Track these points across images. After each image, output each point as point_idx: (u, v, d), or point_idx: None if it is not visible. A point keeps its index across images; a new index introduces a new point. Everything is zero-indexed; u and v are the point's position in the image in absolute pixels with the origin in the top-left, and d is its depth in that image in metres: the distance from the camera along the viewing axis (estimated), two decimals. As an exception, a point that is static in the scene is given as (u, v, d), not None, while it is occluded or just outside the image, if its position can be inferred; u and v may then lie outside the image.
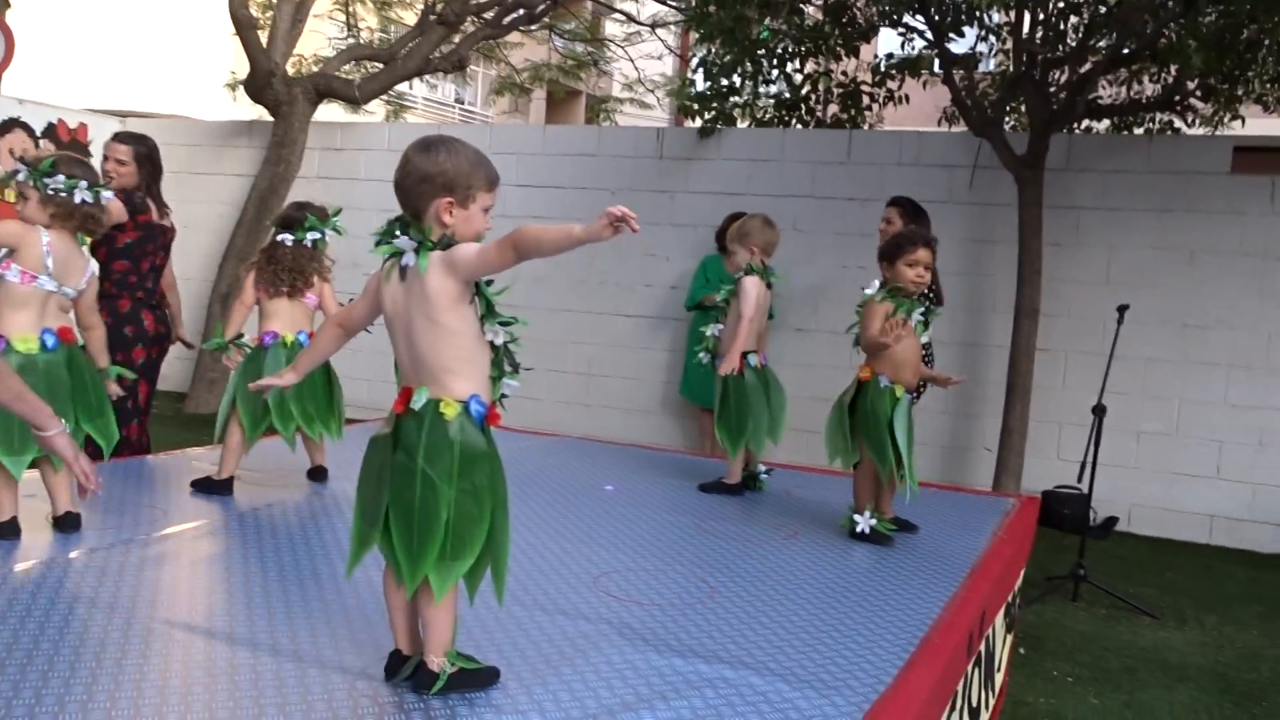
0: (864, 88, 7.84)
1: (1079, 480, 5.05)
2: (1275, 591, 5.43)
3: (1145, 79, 6.97)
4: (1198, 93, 6.56)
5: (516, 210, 7.86)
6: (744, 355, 3.92)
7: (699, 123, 7.69)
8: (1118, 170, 6.54)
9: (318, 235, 3.66)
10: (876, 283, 3.50)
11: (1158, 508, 6.49)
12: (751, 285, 3.91)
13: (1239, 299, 6.31)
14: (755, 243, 3.97)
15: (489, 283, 2.11)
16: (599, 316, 7.77)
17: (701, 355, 4.06)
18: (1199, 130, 6.89)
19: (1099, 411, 5.08)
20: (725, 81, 7.37)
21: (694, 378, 6.68)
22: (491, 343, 2.10)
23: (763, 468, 4.14)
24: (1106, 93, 7.24)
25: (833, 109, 8.11)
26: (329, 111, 9.58)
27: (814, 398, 6.86)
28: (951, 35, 6.30)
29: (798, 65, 7.48)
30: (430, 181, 2.05)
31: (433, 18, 8.69)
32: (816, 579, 2.97)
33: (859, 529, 3.42)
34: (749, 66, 7.13)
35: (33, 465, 2.85)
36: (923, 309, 3.47)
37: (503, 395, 2.15)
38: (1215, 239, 6.35)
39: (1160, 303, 6.44)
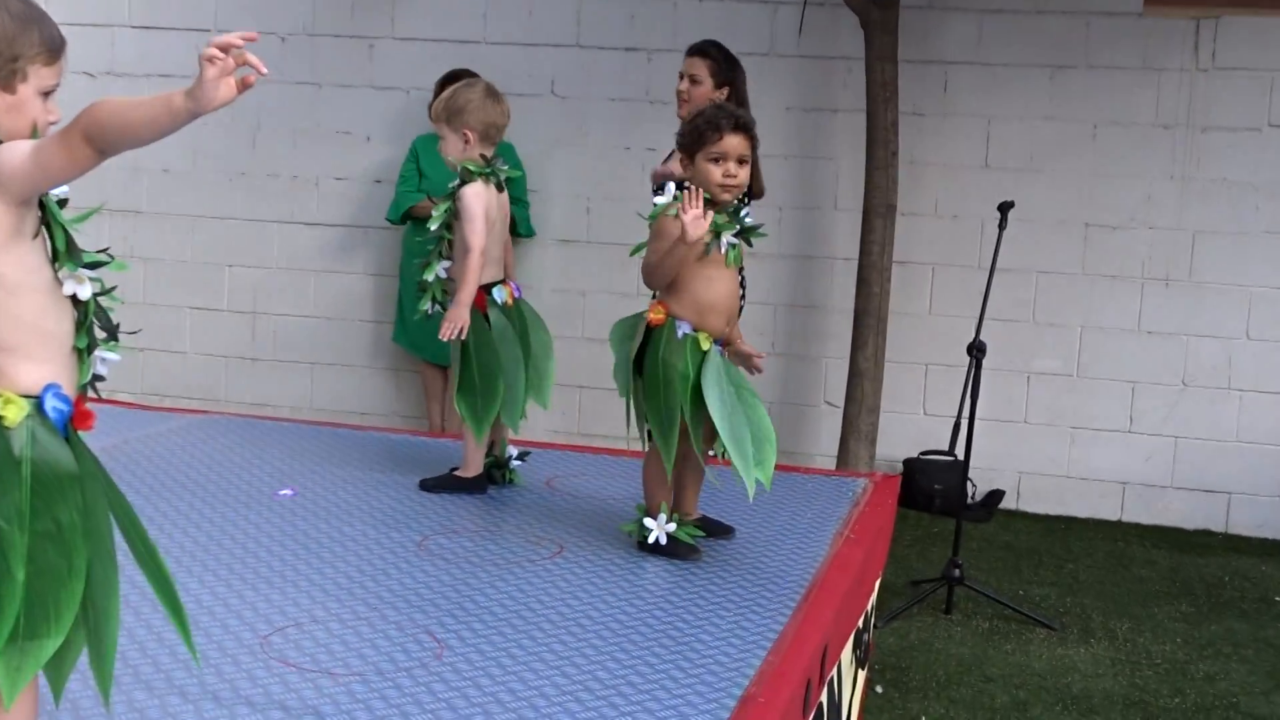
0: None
1: (953, 444, 5.27)
2: (1204, 583, 5.88)
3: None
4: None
5: (134, 67, 7.46)
6: (487, 289, 3.93)
7: (409, -66, 7.49)
8: (997, 9, 6.79)
9: None
10: (672, 188, 3.53)
11: (1056, 475, 6.88)
12: (474, 200, 3.90)
13: (1155, 187, 6.71)
14: (470, 125, 3.95)
15: (62, 203, 2.00)
16: (268, 226, 7.56)
17: (426, 307, 4.07)
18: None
19: (977, 350, 5.32)
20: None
21: (414, 318, 6.60)
22: (73, 297, 2.00)
23: (514, 451, 4.15)
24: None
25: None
26: None
27: (588, 339, 6.90)
28: None
29: None
30: None
31: None
32: (590, 619, 2.99)
33: (652, 539, 3.46)
34: None
35: None
36: (736, 229, 3.51)
37: (96, 378, 2.06)
38: (1125, 106, 6.69)
39: (1056, 195, 6.75)
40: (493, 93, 3.99)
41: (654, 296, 3.59)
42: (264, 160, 7.52)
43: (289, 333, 7.60)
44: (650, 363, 3.47)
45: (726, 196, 3.48)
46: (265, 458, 4.31)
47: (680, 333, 3.45)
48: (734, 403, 3.44)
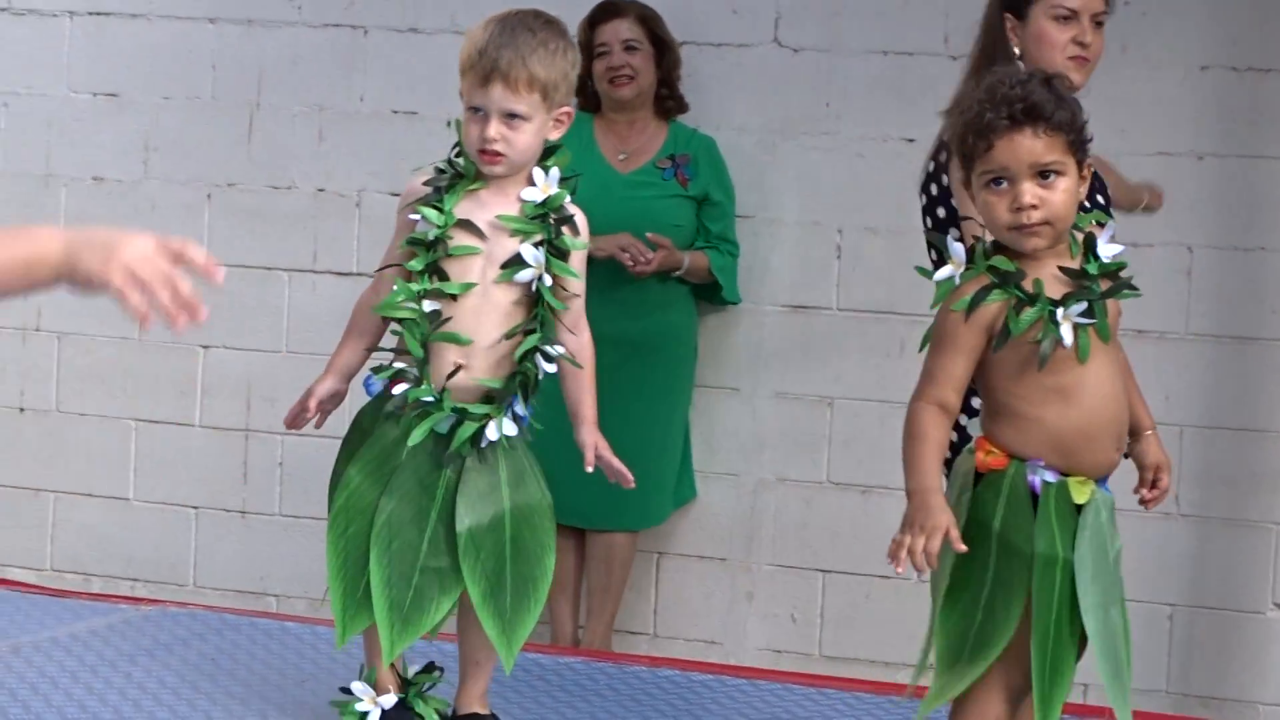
0: None
1: None
2: None
3: None
4: None
5: None
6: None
7: None
8: None
9: None
10: (959, 252, 2.83)
11: None
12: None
13: None
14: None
15: None
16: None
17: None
18: None
19: None
20: None
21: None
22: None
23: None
24: None
25: None
26: None
27: (838, 485, 5.29)
28: None
29: None
30: None
31: None
32: None
33: None
34: None
35: None
36: (1083, 303, 2.76)
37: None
38: None
39: None
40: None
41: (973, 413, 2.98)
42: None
43: (304, 459, 6.08)
44: (975, 538, 2.72)
45: (1035, 242, 2.73)
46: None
47: (1035, 480, 2.72)
48: (1111, 592, 2.78)
